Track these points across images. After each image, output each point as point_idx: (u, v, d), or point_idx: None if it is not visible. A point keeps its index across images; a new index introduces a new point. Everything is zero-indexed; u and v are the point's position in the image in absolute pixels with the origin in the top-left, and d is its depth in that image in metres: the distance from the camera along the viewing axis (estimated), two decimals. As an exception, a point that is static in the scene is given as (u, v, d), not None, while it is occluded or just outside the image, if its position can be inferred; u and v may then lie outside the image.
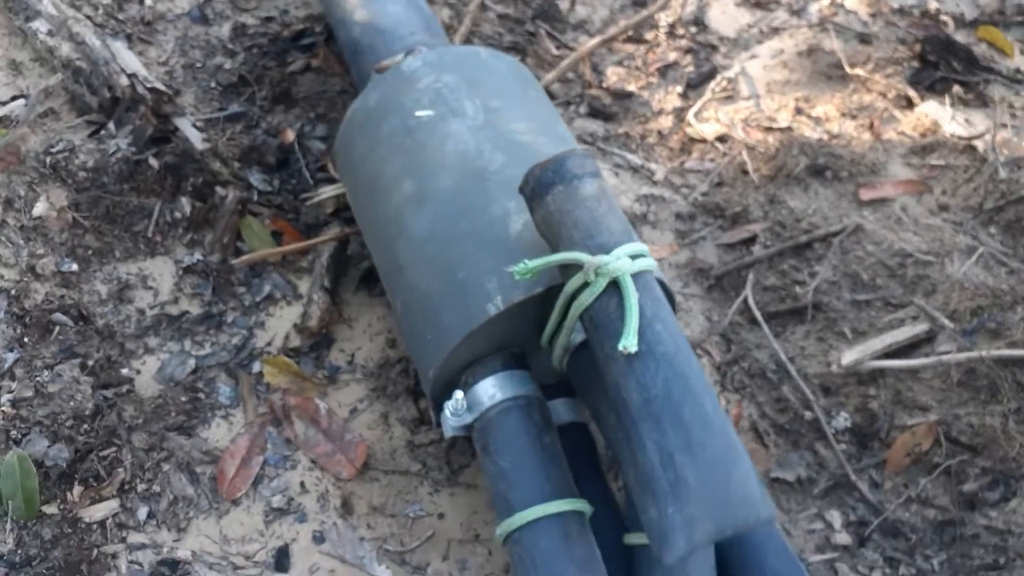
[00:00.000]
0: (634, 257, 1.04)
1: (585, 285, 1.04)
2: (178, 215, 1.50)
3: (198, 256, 1.50)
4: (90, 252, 1.51)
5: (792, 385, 1.45)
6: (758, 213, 1.69)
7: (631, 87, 2.12)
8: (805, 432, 1.42)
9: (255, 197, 1.59)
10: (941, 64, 2.09)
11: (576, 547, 1.09)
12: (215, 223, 1.51)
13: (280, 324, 1.52)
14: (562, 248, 1.07)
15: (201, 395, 1.42)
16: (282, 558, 1.30)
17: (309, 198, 1.62)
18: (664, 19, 2.26)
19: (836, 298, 1.52)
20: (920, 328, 1.43)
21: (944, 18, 2.23)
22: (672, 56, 2.19)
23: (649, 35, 2.23)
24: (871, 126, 1.84)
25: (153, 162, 1.51)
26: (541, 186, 1.09)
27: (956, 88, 2.02)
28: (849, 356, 1.39)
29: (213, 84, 1.77)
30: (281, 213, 1.60)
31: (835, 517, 1.34)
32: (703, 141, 1.93)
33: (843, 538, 1.32)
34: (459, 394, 1.17)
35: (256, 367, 1.46)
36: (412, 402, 1.46)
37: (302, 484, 1.37)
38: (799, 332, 1.51)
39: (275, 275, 1.55)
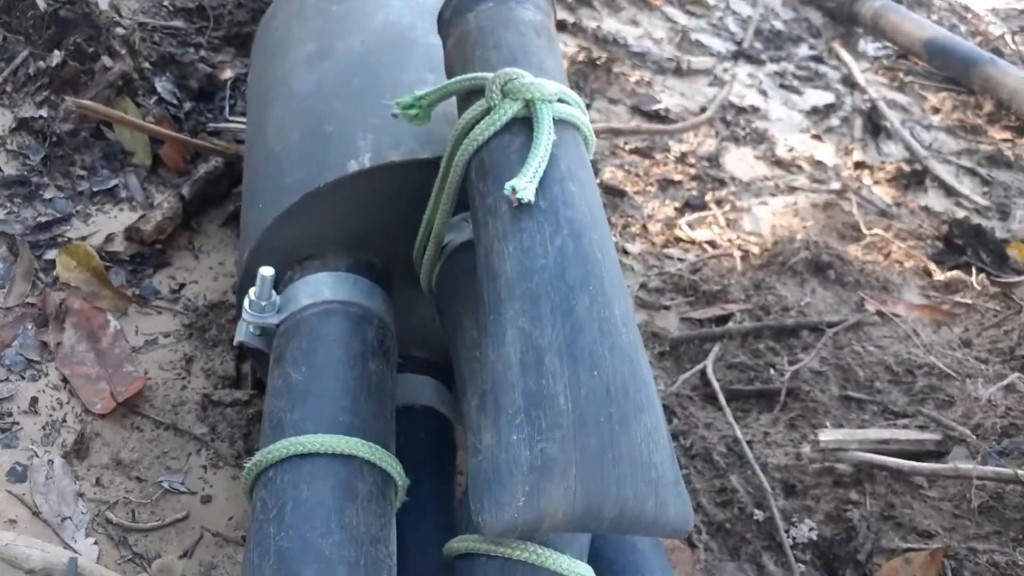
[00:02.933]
0: (562, 102, 0.73)
1: (486, 113, 0.71)
2: (43, 65, 1.21)
3: (43, 113, 1.18)
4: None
5: (744, 476, 1.05)
6: (739, 295, 1.37)
7: (626, 188, 1.88)
8: (751, 537, 0.99)
9: (152, 103, 1.30)
10: (968, 250, 1.83)
11: (357, 513, 0.67)
12: (83, 90, 1.21)
13: (110, 224, 1.16)
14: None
15: (-41, 257, 1.05)
16: (-53, 481, 0.86)
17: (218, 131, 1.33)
18: (676, 147, 2.06)
19: (820, 390, 1.15)
20: (930, 436, 1.05)
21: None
22: (677, 176, 1.96)
23: (658, 155, 2.02)
24: (887, 255, 1.56)
25: (41, 3, 1.23)
26: (467, 1, 0.80)
27: (981, 276, 1.74)
28: (830, 436, 1.01)
29: (167, 1, 1.54)
30: (174, 124, 1.30)
31: (771, 663, 0.89)
32: (691, 242, 1.65)
33: None
34: (266, 271, 0.79)
35: (51, 255, 1.09)
36: (232, 359, 1.06)
37: (33, 402, 0.95)
38: (764, 419, 1.13)
39: (133, 176, 1.22)
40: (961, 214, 1.83)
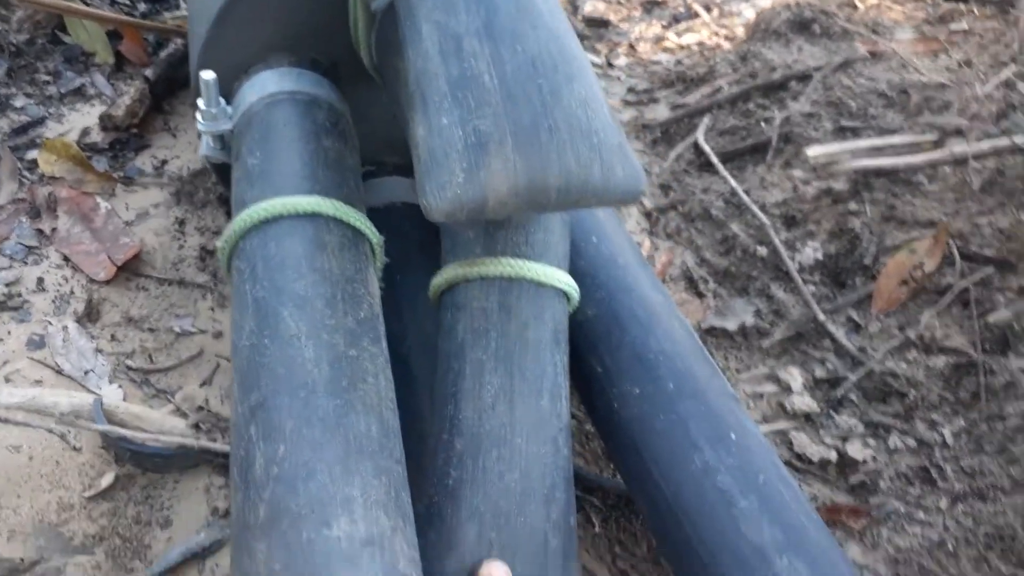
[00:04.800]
0: None
1: None
2: (-14, -18, 1.22)
3: (-4, 28, 1.20)
4: None
5: (744, 221, 1.03)
6: (725, 70, 1.32)
7: (609, 17, 1.82)
8: (757, 274, 0.98)
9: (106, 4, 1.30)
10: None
11: (328, 259, 0.67)
12: (30, -2, 1.22)
13: (84, 120, 1.18)
14: None
15: (-56, 170, 1.07)
16: (-28, 359, 0.90)
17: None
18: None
19: (813, 128, 1.11)
20: (925, 137, 1.01)
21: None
22: (661, -3, 1.89)
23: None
24: (878, 5, 1.49)
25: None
26: None
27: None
28: (819, 150, 0.98)
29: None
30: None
31: (794, 376, 0.88)
32: (679, 47, 1.60)
33: (804, 403, 0.86)
34: (207, 75, 0.79)
35: (32, 155, 1.11)
36: (223, 214, 1.08)
37: (40, 281, 0.98)
38: (760, 169, 1.11)
39: (98, 75, 1.23)
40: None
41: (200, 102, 0.81)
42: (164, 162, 1.14)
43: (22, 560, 0.75)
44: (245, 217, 0.69)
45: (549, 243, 0.71)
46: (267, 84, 0.81)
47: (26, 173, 1.09)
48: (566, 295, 0.72)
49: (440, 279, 0.72)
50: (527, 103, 0.58)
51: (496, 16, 0.60)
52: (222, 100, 0.81)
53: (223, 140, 0.83)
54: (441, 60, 0.59)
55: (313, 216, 0.69)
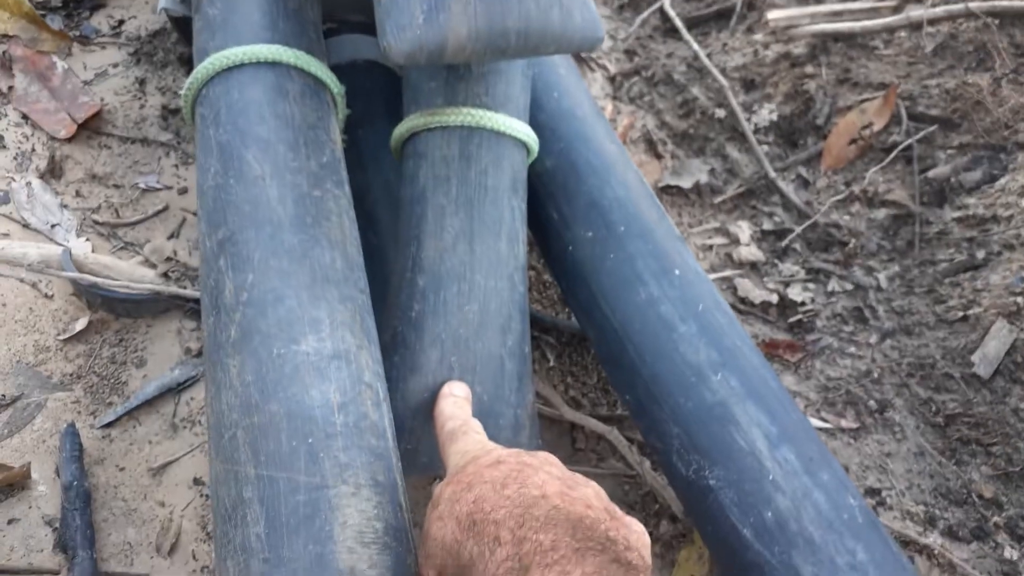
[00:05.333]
0: None
1: None
2: None
3: None
4: None
5: (704, 84, 1.05)
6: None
7: None
8: (714, 136, 1.01)
9: None
10: None
11: (290, 105, 0.69)
12: None
13: (34, -23, 1.14)
14: None
15: None
16: (-63, 213, 0.90)
17: None
18: None
19: (777, -7, 1.12)
20: (885, 3, 1.02)
21: None
22: None
23: None
24: None
25: None
26: None
27: None
28: (779, 14, 0.99)
29: None
30: None
31: (742, 229, 0.92)
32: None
33: (751, 252, 0.90)
34: (167, -80, 0.78)
35: (-16, 12, 1.09)
36: (184, 74, 1.07)
37: (0, 138, 0.98)
38: (723, 35, 1.11)
39: (46, -70, 1.19)
40: None
41: (158, -50, 0.80)
42: (121, 22, 1.12)
43: (3, 396, 0.78)
44: (208, 65, 0.70)
45: (510, 95, 0.72)
46: (225, -68, 0.80)
47: (-22, 31, 1.07)
48: (525, 145, 0.74)
49: (402, 128, 0.74)
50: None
51: None
52: (180, -51, 0.80)
53: (181, -11, 0.82)
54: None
55: (274, 64, 0.70)
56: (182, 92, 0.72)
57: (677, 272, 0.69)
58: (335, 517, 0.50)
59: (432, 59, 0.60)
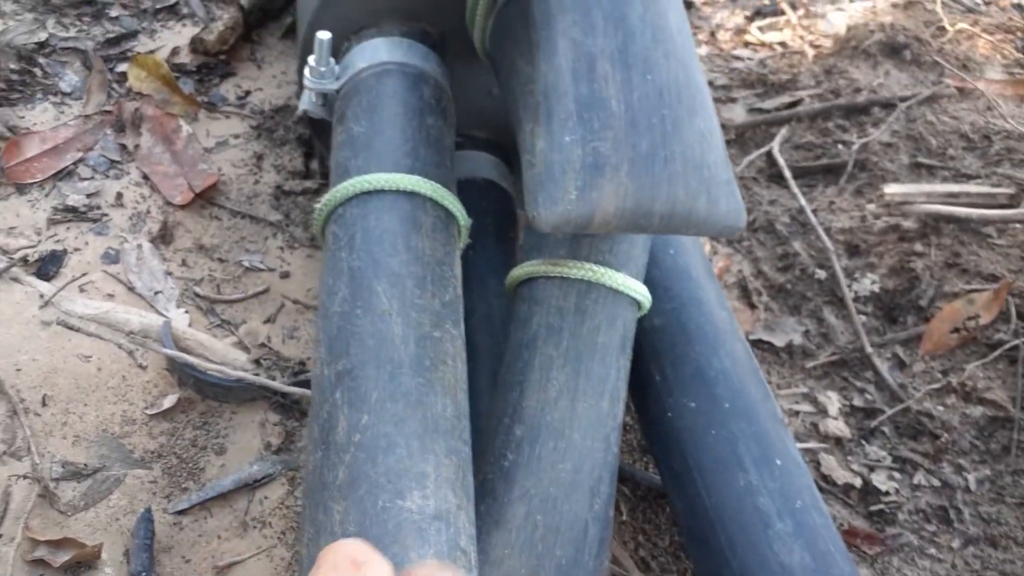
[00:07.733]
0: None
1: None
2: None
3: (100, -67, 1.21)
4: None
5: (807, 241, 1.05)
6: (808, 82, 1.32)
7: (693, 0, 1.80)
8: (812, 295, 1.00)
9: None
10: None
11: (422, 239, 0.70)
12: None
13: (175, 39, 1.19)
14: None
15: (37, 72, 1.10)
16: (49, 264, 0.93)
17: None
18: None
19: (889, 160, 1.12)
20: (1002, 190, 1.02)
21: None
22: (749, -12, 1.87)
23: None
24: (970, 41, 1.47)
25: None
26: None
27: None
28: (896, 189, 0.99)
29: None
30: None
31: (831, 400, 0.91)
32: (761, 44, 1.59)
33: (837, 427, 0.89)
34: (323, 35, 0.81)
35: (122, 68, 1.13)
36: (301, 155, 1.10)
37: (119, 196, 1.01)
38: (830, 191, 1.12)
39: (192, -7, 1.24)
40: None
41: (311, 59, 0.83)
42: (247, 92, 1.16)
43: (85, 465, 0.79)
44: (348, 186, 0.72)
45: (631, 254, 0.73)
46: (378, 51, 0.83)
47: (115, 85, 1.12)
48: (638, 303, 0.74)
49: (521, 271, 0.74)
50: (648, 131, 0.60)
51: (632, 42, 0.62)
52: (332, 59, 0.83)
53: (326, 98, 0.85)
54: (572, 79, 0.61)
55: (412, 195, 0.72)
56: (317, 207, 0.74)
57: (778, 462, 0.68)
58: None
59: (577, 230, 0.61)
